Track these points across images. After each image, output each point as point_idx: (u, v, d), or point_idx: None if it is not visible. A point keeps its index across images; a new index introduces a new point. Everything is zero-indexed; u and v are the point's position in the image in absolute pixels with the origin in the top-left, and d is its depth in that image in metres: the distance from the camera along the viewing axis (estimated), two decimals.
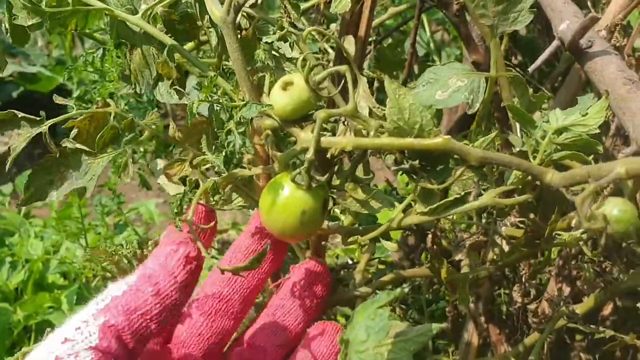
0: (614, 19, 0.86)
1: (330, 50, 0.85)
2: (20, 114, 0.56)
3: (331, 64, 0.68)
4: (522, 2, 0.50)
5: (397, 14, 1.12)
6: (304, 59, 0.50)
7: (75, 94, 1.12)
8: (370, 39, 1.11)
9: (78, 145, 0.54)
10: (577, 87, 0.91)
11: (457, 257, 0.64)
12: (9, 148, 0.55)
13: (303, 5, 0.81)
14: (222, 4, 0.53)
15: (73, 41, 3.36)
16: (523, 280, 0.80)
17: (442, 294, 1.08)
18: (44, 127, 0.55)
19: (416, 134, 0.48)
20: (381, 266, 1.20)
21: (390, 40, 1.02)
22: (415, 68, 1.14)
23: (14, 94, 3.41)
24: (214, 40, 0.60)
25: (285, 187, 0.50)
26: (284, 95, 0.51)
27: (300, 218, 0.50)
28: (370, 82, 1.11)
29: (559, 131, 0.50)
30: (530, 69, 0.63)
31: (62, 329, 0.44)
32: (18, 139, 0.55)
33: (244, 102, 0.49)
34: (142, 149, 1.09)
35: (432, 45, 1.89)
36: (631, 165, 0.40)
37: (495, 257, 0.62)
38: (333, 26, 1.01)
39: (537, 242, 0.57)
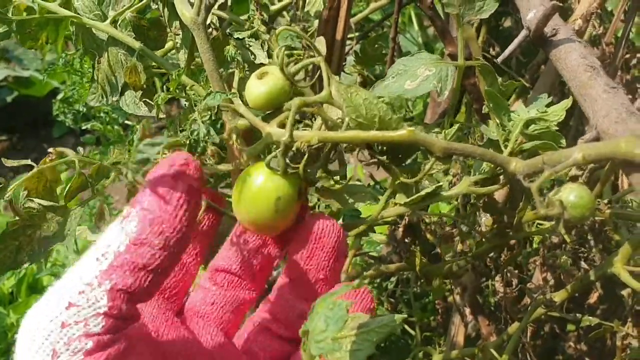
0: (589, 7, 0.87)
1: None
2: None
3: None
4: None
5: (378, 8, 1.12)
6: (279, 49, 0.51)
7: (59, 97, 1.13)
8: (353, 35, 1.12)
9: (45, 203, 0.50)
10: (556, 76, 0.92)
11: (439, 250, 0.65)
12: None
13: (279, 4, 0.82)
14: (192, 6, 0.53)
15: (66, 44, 3.37)
16: (504, 270, 0.81)
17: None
18: (9, 194, 0.50)
19: (379, 127, 0.49)
20: (370, 260, 1.21)
21: (370, 36, 1.03)
22: None
23: (8, 99, 3.41)
24: (181, 56, 0.61)
25: (258, 175, 0.50)
26: (259, 83, 0.51)
27: (276, 205, 0.49)
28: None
29: (526, 123, 0.51)
30: (498, 60, 0.63)
31: (63, 288, 0.40)
32: None
33: (208, 92, 0.49)
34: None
35: (420, 40, 1.90)
36: (588, 151, 0.40)
37: (468, 248, 0.62)
38: (316, 22, 1.02)
39: (507, 231, 0.57)
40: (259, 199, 0.50)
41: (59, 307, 0.39)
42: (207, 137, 0.48)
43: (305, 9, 0.65)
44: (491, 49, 0.98)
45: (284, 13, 0.90)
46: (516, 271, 0.86)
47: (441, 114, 1.15)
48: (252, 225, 0.51)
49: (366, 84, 1.10)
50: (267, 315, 0.52)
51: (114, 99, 0.61)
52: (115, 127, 1.02)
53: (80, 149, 0.54)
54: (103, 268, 0.40)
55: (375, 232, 0.63)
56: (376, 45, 1.00)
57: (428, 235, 0.90)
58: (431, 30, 2.48)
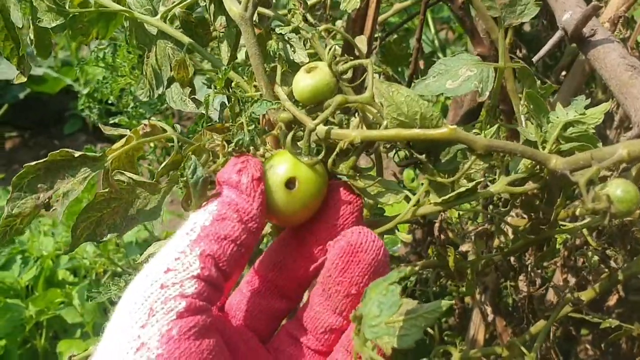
0: (617, 11, 0.88)
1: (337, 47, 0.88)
2: (77, 153, 0.52)
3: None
4: None
5: (401, 9, 1.14)
6: (330, 47, 0.52)
7: (84, 91, 1.14)
8: (375, 35, 1.13)
9: (137, 178, 0.53)
10: (581, 79, 0.93)
11: (464, 249, 0.66)
12: (48, 199, 0.51)
13: (310, 1, 0.83)
14: (239, 2, 0.55)
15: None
16: (529, 269, 0.82)
17: (449, 288, 1.09)
18: (107, 163, 0.52)
19: (420, 124, 0.50)
20: None
21: (395, 36, 1.04)
22: (421, 64, 1.16)
23: (21, 95, 3.43)
24: (223, 52, 0.62)
25: (280, 161, 0.50)
26: (307, 77, 0.52)
27: (290, 188, 0.49)
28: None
29: (565, 125, 0.52)
30: (534, 60, 0.64)
31: (160, 259, 0.45)
32: (67, 184, 0.51)
33: (256, 98, 0.50)
34: (151, 145, 1.11)
35: (436, 43, 1.91)
36: (632, 147, 0.42)
37: (501, 244, 0.63)
38: (338, 23, 1.03)
39: (542, 228, 0.58)
40: (276, 182, 0.49)
41: (159, 273, 0.44)
42: (250, 146, 0.50)
43: (342, 7, 0.66)
44: (517, 51, 0.99)
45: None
46: (539, 271, 0.87)
47: (464, 115, 1.16)
48: (277, 211, 0.50)
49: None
50: (297, 324, 0.53)
51: (159, 91, 0.62)
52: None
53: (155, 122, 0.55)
54: (193, 238, 0.46)
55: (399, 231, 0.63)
56: (402, 45, 1.02)
57: (450, 234, 0.91)
58: (442, 34, 2.49)
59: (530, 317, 0.91)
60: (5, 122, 3.40)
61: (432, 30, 1.93)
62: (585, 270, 0.86)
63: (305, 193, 0.50)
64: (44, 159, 0.51)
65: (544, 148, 0.52)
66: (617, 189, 0.41)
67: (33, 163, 0.51)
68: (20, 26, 0.61)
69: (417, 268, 0.66)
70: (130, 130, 0.56)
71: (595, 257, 0.69)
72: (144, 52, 0.65)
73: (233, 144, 0.51)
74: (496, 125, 0.51)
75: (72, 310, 1.52)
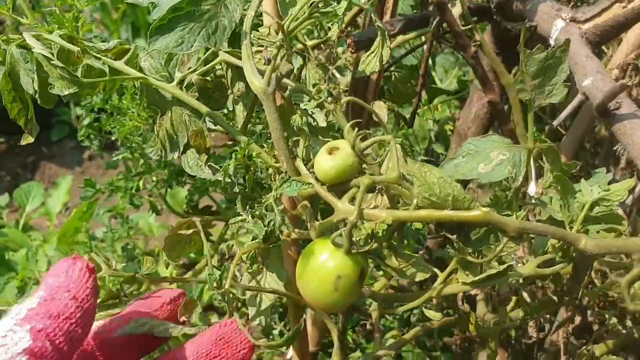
0: (626, 57, 0.88)
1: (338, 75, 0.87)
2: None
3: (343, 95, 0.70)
4: (557, 76, 0.51)
5: (404, 42, 1.13)
6: (351, 126, 0.51)
7: (85, 122, 1.12)
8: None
9: None
10: (589, 122, 0.93)
11: (482, 312, 0.65)
12: None
13: (314, 41, 0.82)
14: (261, 74, 0.53)
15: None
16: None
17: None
18: None
19: (452, 206, 0.49)
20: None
21: (401, 74, 1.03)
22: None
23: None
24: (238, 111, 0.61)
25: (322, 251, 0.50)
26: (329, 158, 0.52)
27: (335, 283, 0.50)
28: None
29: (591, 205, 0.51)
30: (554, 124, 0.64)
31: None
32: None
33: (285, 179, 0.49)
34: (154, 178, 1.09)
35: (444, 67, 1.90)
36: None
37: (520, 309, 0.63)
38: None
39: (566, 298, 0.58)
40: (318, 275, 0.50)
41: None
42: (282, 227, 0.49)
43: (360, 68, 0.65)
44: None
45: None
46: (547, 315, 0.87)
47: None
48: (311, 300, 0.52)
49: (399, 121, 1.11)
50: None
51: (175, 156, 0.61)
52: (146, 159, 1.01)
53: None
54: (21, 317, 0.44)
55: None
56: (408, 84, 1.01)
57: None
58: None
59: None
60: None
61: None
62: (591, 313, 0.86)
63: (350, 287, 0.50)
64: None
65: (571, 228, 0.52)
66: None
67: None
68: (31, 92, 0.59)
69: (437, 325, 0.65)
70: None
71: (614, 319, 0.69)
72: (155, 112, 0.63)
73: (265, 225, 0.50)
74: (523, 212, 0.50)
75: None
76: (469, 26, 0.80)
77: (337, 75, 0.79)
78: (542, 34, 0.76)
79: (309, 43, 0.66)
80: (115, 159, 1.03)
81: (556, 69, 0.51)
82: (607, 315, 0.70)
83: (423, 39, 1.07)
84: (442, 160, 1.35)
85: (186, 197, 1.14)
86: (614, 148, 0.95)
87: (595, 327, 0.88)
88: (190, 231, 0.62)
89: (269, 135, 0.60)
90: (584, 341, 0.83)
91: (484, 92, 0.86)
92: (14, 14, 0.72)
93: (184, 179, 1.08)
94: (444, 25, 0.84)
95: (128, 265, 1.54)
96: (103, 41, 0.85)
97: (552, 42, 0.72)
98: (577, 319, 0.98)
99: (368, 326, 1.20)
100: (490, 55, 0.85)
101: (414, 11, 1.02)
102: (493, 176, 0.50)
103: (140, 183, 1.10)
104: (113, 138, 1.12)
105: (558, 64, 0.51)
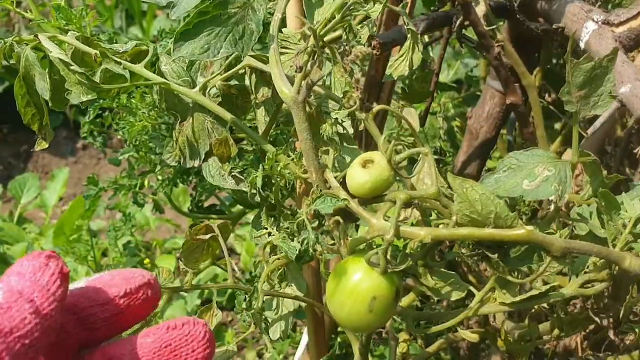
0: None
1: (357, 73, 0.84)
2: None
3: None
4: (603, 86, 0.49)
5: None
6: (387, 139, 0.49)
7: (90, 117, 1.09)
8: None
9: None
10: (610, 126, 0.91)
11: (507, 327, 0.63)
12: None
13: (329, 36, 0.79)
14: (290, 82, 0.51)
15: None
16: None
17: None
18: None
19: (494, 224, 0.47)
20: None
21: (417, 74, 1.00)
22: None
23: (0, 89, 3.33)
24: (260, 116, 0.58)
25: (356, 270, 0.48)
26: (364, 172, 0.49)
27: (370, 304, 0.48)
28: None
29: (636, 221, 0.49)
30: (589, 132, 0.61)
31: None
32: None
33: (318, 195, 0.47)
34: (159, 177, 1.06)
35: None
36: None
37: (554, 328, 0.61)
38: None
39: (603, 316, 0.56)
40: (352, 296, 0.48)
41: None
42: (316, 245, 0.46)
43: (387, 72, 0.63)
44: (547, 95, 0.97)
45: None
46: None
47: (478, 146, 1.13)
48: (344, 322, 0.50)
49: None
50: None
51: (195, 164, 0.59)
52: (152, 156, 0.99)
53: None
54: None
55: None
56: (424, 83, 0.99)
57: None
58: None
59: None
60: None
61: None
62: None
63: (385, 308, 0.48)
64: None
65: (614, 245, 0.50)
66: None
67: None
68: (47, 97, 0.56)
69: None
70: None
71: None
72: (175, 118, 0.61)
73: (299, 243, 0.47)
74: (567, 230, 0.48)
75: None
76: (493, 27, 0.78)
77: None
78: (570, 36, 0.73)
79: (327, 38, 0.62)
80: (121, 157, 1.00)
81: (602, 79, 0.49)
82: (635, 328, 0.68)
83: (436, 33, 1.05)
84: (449, 158, 1.33)
85: (191, 195, 1.12)
86: (634, 150, 0.93)
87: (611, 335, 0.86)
88: (208, 236, 0.60)
89: (293, 143, 0.57)
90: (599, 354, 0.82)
91: (505, 94, 0.84)
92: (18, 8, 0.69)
93: (190, 177, 1.05)
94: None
95: (128, 261, 1.52)
96: (110, 38, 0.82)
97: (582, 45, 0.69)
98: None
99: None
100: (513, 56, 0.83)
101: (432, 8, 0.99)
102: (539, 194, 0.47)
103: (145, 181, 1.07)
104: (119, 136, 1.09)
105: (605, 73, 0.49)
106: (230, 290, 2.10)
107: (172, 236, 2.36)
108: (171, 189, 1.09)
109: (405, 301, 0.63)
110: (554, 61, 0.97)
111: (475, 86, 1.36)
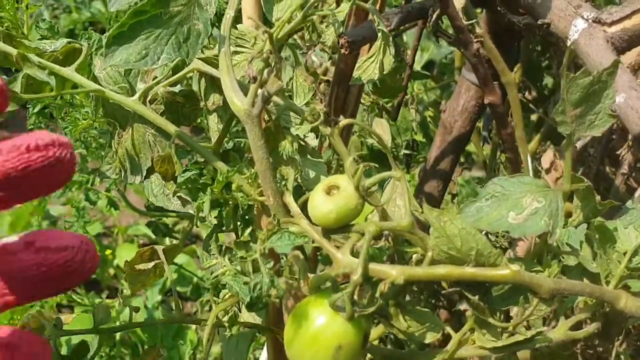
0: (637, 57, 0.80)
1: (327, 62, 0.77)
2: None
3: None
4: (601, 103, 0.42)
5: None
6: (354, 162, 0.42)
7: (35, 109, 1.00)
8: None
9: None
10: None
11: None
12: None
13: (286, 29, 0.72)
14: (243, 89, 0.44)
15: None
16: None
17: None
18: None
19: (475, 261, 0.41)
20: None
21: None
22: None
23: None
24: (212, 123, 0.51)
25: (319, 314, 0.42)
26: (328, 200, 0.42)
27: (334, 355, 0.42)
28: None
29: (632, 254, 0.44)
30: (578, 145, 0.56)
31: None
32: None
33: (274, 230, 0.40)
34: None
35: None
36: None
37: None
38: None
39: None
40: (315, 345, 0.42)
41: None
42: (271, 290, 0.39)
43: (355, 74, 0.56)
44: (527, 93, 0.91)
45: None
46: None
47: (453, 141, 1.08)
48: None
49: (382, 114, 1.02)
50: None
51: (135, 180, 0.52)
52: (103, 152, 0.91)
53: None
54: None
55: None
56: (396, 77, 0.92)
57: None
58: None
59: None
60: None
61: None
62: None
63: (352, 357, 0.42)
64: None
65: (607, 282, 0.44)
66: None
67: None
68: None
69: None
70: None
71: None
72: (114, 126, 0.54)
73: (250, 285, 0.40)
74: (557, 267, 0.42)
75: None
76: (472, 21, 0.72)
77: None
78: (556, 34, 0.67)
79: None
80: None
81: (600, 95, 0.43)
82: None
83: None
84: (422, 150, 1.27)
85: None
86: (617, 152, 0.87)
87: None
88: (152, 264, 0.53)
89: (249, 158, 0.51)
90: None
91: (484, 93, 0.78)
92: None
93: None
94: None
95: None
96: (51, 26, 0.74)
97: (569, 44, 0.63)
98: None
99: None
100: (492, 52, 0.77)
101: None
102: (527, 229, 0.41)
103: (97, 178, 0.99)
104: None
105: (604, 89, 0.43)
106: (195, 280, 2.04)
107: (136, 222, 2.28)
108: (125, 187, 1.02)
109: (373, 334, 0.57)
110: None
111: (450, 75, 1.30)
